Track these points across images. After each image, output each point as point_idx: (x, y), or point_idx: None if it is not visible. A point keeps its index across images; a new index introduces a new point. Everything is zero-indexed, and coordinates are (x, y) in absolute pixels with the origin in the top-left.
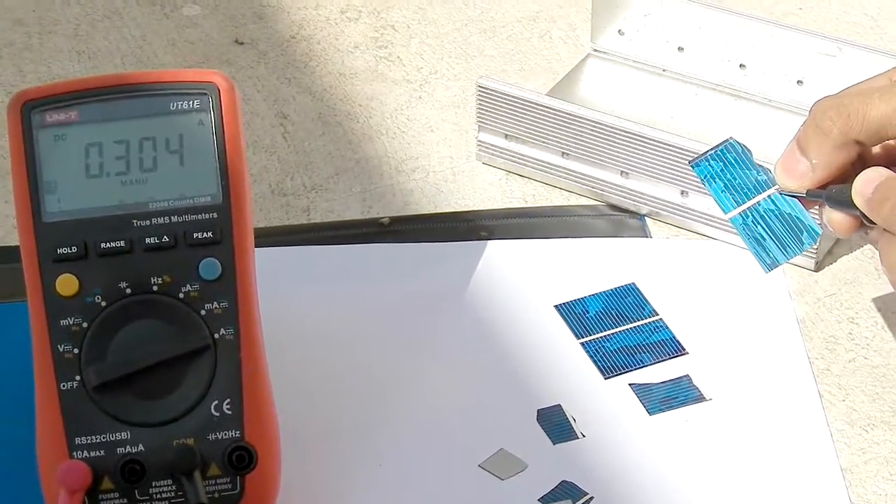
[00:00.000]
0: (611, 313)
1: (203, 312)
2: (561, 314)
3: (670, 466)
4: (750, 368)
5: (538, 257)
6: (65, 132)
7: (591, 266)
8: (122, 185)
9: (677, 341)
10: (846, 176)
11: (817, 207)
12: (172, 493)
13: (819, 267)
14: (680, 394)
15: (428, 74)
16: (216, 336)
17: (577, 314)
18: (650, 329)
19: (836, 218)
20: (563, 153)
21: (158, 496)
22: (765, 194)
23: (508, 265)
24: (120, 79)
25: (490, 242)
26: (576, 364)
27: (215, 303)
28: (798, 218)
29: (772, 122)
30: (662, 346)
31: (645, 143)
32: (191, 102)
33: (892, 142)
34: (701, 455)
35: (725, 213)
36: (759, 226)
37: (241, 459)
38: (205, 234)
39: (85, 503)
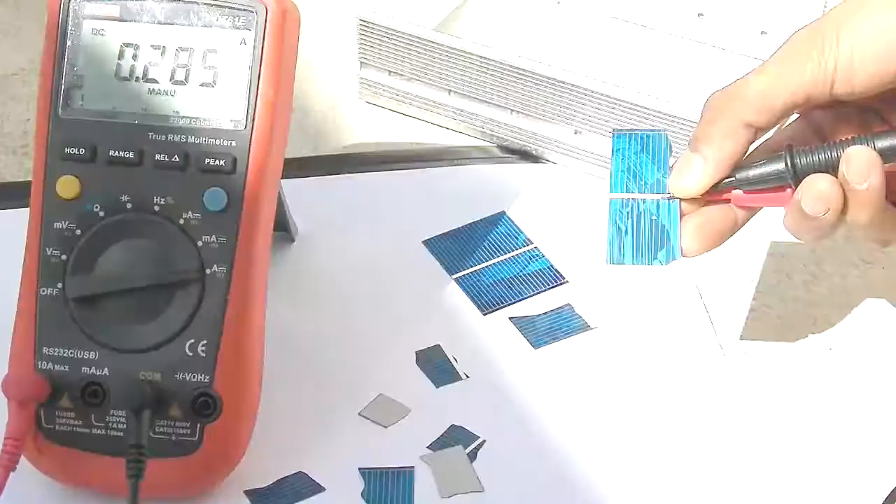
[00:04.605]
0: (482, 245)
1: (200, 244)
2: (430, 250)
3: (562, 401)
4: (633, 293)
5: (399, 189)
6: (103, 27)
7: (457, 196)
8: (149, 94)
9: (556, 270)
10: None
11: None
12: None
13: None
14: (564, 324)
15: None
16: (208, 271)
17: (446, 248)
18: (526, 259)
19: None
20: (449, 90)
21: (114, 426)
22: (656, 196)
23: (371, 199)
24: None
25: (350, 176)
26: (452, 301)
27: (214, 236)
28: (668, 233)
29: (673, 52)
30: (540, 275)
31: (535, 79)
32: (236, 19)
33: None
34: (592, 385)
35: (611, 191)
36: (630, 219)
37: (206, 406)
38: (217, 162)
39: (41, 418)
